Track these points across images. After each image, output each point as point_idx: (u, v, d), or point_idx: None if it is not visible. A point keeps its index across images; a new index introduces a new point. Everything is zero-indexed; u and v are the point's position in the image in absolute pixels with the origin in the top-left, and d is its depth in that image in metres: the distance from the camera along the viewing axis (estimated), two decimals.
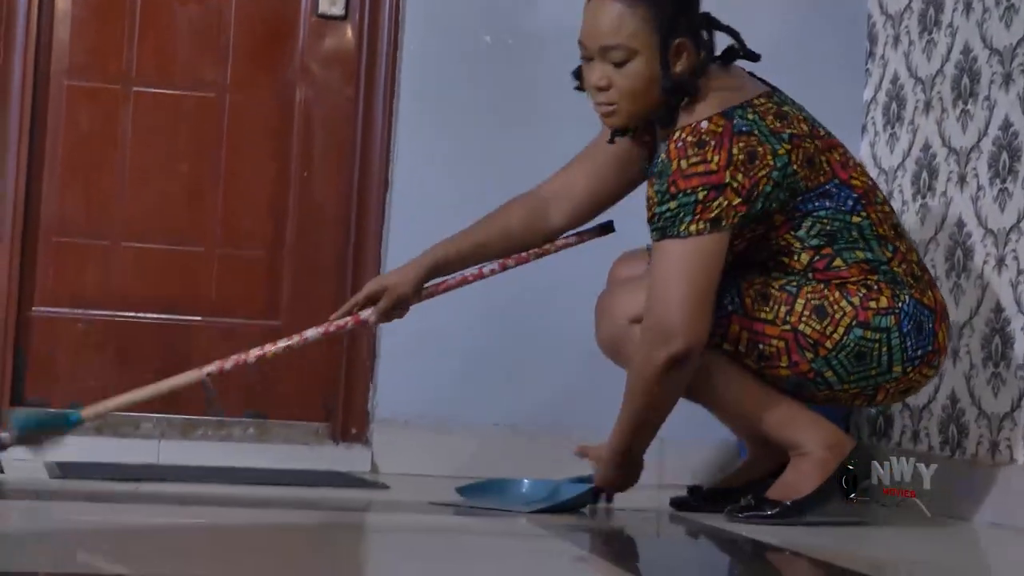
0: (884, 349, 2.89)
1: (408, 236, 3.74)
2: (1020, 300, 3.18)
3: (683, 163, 2.80)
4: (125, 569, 2.15)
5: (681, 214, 2.79)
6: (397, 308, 3.07)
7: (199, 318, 3.82)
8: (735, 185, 2.79)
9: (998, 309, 3.24)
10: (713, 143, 2.79)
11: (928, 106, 3.56)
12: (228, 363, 3.00)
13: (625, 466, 3.01)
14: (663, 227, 2.81)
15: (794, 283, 2.90)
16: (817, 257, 2.89)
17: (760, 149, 2.80)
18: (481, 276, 3.10)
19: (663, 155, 2.85)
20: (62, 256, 3.78)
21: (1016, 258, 3.20)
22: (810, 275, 2.90)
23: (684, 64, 2.84)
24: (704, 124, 2.81)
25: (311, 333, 3.04)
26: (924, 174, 3.57)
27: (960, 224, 3.40)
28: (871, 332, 2.88)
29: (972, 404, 3.30)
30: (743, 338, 2.89)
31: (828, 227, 2.89)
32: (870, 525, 3.08)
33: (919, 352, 2.91)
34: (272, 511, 2.92)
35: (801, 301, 2.88)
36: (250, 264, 3.85)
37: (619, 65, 2.84)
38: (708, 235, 2.79)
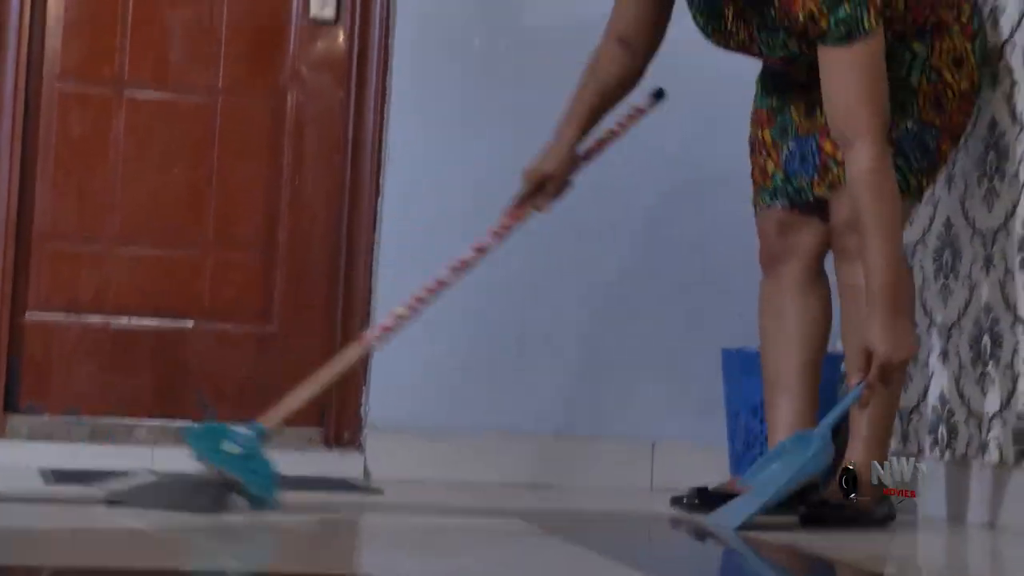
0: None
1: (399, 240, 3.77)
2: (1008, 299, 3.19)
3: None
4: (112, 564, 2.16)
5: (858, 13, 2.82)
6: (564, 189, 3.10)
7: (193, 322, 3.83)
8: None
9: (987, 309, 3.25)
10: None
11: None
12: (389, 320, 2.97)
13: (899, 320, 2.90)
14: (847, 32, 2.83)
15: None
16: None
17: None
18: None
19: None
20: (55, 261, 3.79)
21: (1004, 258, 3.21)
22: None
23: None
24: None
25: (487, 241, 3.02)
26: None
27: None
28: None
29: (962, 404, 3.31)
30: None
31: None
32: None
33: None
34: (265, 513, 2.93)
35: None
36: (243, 268, 3.86)
37: None
38: (879, 27, 2.85)
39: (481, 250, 3.03)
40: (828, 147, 3.05)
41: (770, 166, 3.18)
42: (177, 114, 3.85)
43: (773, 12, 2.88)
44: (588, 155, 3.14)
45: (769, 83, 3.20)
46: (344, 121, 3.86)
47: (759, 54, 3.05)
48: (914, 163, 3.05)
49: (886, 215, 2.86)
